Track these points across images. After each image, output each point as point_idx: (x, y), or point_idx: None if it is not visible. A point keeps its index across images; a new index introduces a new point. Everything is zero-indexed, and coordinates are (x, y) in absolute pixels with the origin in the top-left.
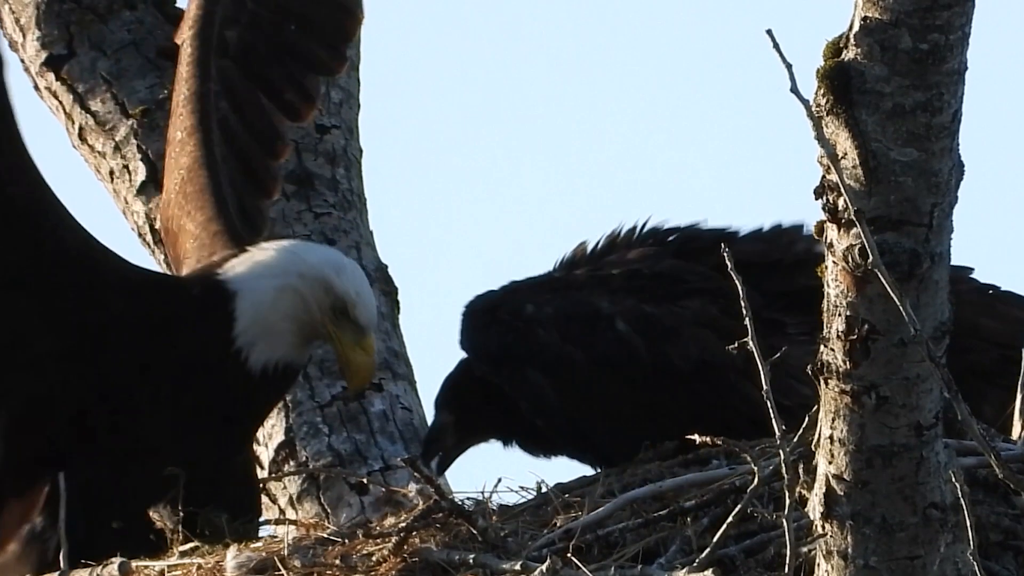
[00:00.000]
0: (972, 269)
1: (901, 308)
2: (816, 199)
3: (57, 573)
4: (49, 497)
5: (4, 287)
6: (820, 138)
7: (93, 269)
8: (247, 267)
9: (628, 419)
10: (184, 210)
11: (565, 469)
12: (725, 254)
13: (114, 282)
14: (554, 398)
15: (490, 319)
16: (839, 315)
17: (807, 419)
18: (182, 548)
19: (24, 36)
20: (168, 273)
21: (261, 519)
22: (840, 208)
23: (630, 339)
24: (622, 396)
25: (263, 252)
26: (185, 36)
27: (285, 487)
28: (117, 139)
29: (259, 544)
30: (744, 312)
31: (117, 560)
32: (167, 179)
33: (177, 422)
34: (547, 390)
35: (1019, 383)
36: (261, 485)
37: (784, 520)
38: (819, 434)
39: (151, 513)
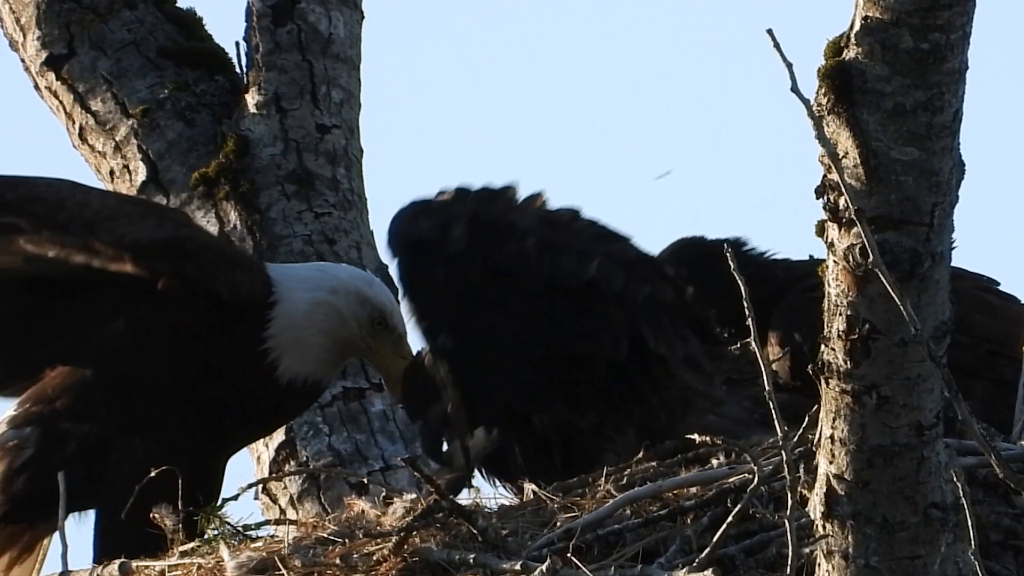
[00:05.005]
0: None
1: (902, 307)
2: (817, 198)
3: (58, 573)
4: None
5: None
6: (821, 137)
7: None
8: (282, 274)
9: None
10: None
11: None
12: (728, 254)
13: None
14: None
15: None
16: (840, 314)
17: (807, 419)
18: (182, 548)
19: (24, 36)
20: None
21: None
22: (841, 207)
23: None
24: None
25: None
26: None
27: (285, 487)
28: (117, 139)
29: (259, 544)
30: (747, 312)
31: (117, 560)
32: None
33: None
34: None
35: (1020, 382)
36: (261, 485)
37: (787, 520)
38: (820, 434)
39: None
